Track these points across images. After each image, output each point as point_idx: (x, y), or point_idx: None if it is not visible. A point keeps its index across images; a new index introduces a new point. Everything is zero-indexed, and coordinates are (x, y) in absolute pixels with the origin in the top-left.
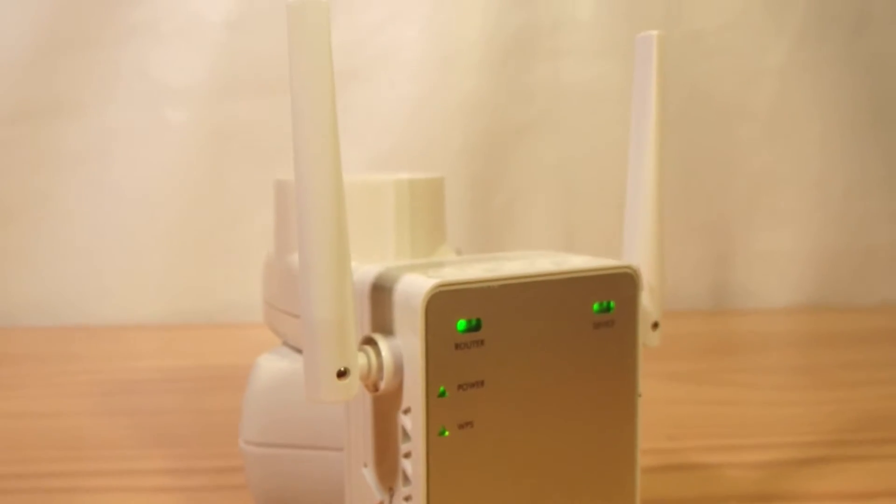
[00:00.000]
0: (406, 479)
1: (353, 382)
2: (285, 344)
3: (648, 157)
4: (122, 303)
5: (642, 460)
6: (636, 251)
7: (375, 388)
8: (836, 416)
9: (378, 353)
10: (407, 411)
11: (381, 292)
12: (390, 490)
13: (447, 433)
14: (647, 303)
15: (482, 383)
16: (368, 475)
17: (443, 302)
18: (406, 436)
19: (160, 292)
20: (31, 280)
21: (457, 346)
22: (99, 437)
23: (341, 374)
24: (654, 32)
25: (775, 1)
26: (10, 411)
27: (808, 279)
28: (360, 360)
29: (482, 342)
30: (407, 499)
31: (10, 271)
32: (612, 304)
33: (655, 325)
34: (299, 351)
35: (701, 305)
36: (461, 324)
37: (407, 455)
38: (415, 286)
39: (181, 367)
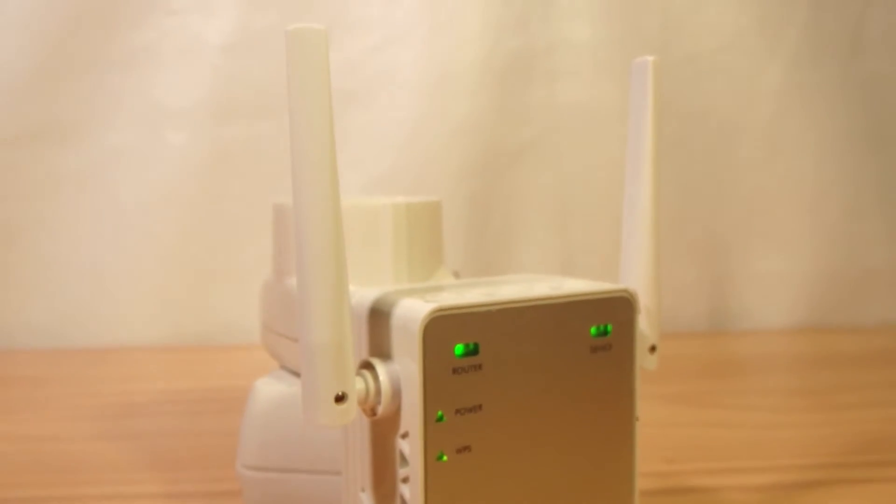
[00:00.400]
0: None
1: (351, 407)
2: (283, 367)
3: (644, 182)
4: (121, 325)
5: (641, 483)
6: (633, 274)
7: (373, 412)
8: (834, 439)
9: (376, 378)
10: (405, 436)
11: (379, 316)
12: None
13: (445, 458)
14: (645, 326)
15: (480, 408)
16: (366, 500)
17: (440, 326)
18: (404, 460)
19: (158, 314)
20: (30, 302)
21: (454, 371)
22: (95, 461)
23: (339, 398)
24: (650, 58)
25: (770, 24)
26: (7, 434)
27: (804, 300)
28: (357, 385)
29: (480, 366)
30: None
31: (10, 293)
32: (610, 327)
33: (653, 349)
34: (297, 374)
35: (698, 327)
36: (459, 348)
37: (405, 480)
38: (412, 311)
39: (179, 389)
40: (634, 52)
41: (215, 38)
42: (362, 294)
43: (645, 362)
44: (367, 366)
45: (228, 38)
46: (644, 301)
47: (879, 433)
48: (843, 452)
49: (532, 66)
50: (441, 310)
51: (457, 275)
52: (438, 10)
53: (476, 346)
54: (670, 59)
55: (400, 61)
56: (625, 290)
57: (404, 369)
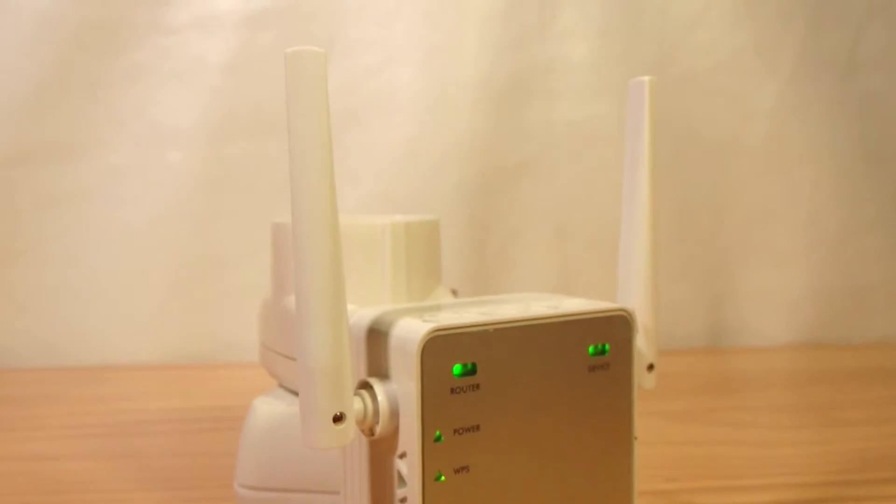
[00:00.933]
0: None
1: (349, 427)
2: (282, 386)
3: (642, 201)
4: (119, 343)
5: (640, 503)
6: (631, 293)
7: (371, 432)
8: (834, 456)
9: (374, 398)
10: (403, 456)
11: (377, 336)
12: None
13: (443, 478)
14: (642, 345)
15: (478, 427)
16: None
17: (438, 346)
18: (402, 481)
19: (157, 333)
20: (28, 321)
21: (452, 391)
22: (91, 480)
23: (337, 418)
24: (646, 78)
25: (767, 42)
26: (2, 453)
27: (803, 317)
28: (356, 405)
29: (478, 386)
30: None
31: (7, 312)
32: (607, 346)
33: (651, 367)
34: (296, 393)
35: (697, 344)
36: (457, 368)
37: (403, 500)
38: (410, 330)
39: (177, 408)
40: (632, 71)
41: (214, 57)
42: (361, 313)
43: (643, 381)
44: (366, 386)
45: (227, 57)
46: (642, 319)
47: (880, 450)
48: (844, 470)
49: (530, 86)
50: (439, 330)
51: (455, 293)
52: (437, 30)
53: (474, 365)
54: (667, 79)
55: (398, 81)
56: (622, 309)
57: (402, 389)
